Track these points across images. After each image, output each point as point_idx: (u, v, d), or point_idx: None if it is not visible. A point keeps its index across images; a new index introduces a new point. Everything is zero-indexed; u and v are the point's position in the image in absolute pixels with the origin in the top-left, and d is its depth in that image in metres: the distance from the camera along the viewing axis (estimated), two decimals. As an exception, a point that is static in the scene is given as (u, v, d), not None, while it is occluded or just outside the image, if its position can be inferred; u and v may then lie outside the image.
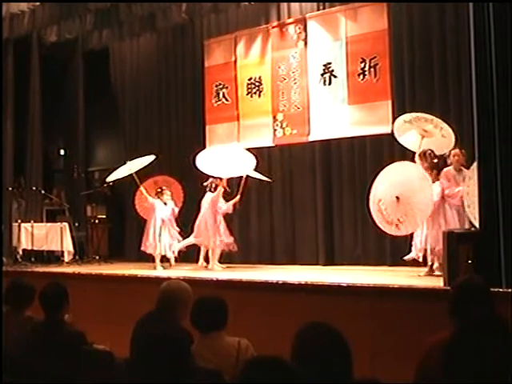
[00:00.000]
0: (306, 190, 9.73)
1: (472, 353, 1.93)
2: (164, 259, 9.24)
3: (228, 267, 8.96)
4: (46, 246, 10.49)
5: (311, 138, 9.48)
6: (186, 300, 3.79)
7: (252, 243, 10.17)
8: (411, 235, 7.29)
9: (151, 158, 9.62)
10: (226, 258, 9.80)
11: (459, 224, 6.96)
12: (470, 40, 5.86)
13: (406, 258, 7.37)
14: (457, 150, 7.17)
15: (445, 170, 7.21)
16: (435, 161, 7.23)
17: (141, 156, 9.80)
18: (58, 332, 3.86)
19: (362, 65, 9.03)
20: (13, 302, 4.44)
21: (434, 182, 7.07)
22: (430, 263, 7.12)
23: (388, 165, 7.42)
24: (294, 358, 2.19)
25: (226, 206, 8.99)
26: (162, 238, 9.07)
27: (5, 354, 3.40)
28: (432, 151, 7.25)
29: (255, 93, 10.12)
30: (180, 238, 9.19)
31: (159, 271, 8.79)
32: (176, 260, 9.23)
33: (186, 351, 2.58)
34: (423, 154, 7.23)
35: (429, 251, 7.06)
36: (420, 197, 6.84)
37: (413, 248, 7.28)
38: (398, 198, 6.92)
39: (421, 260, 7.23)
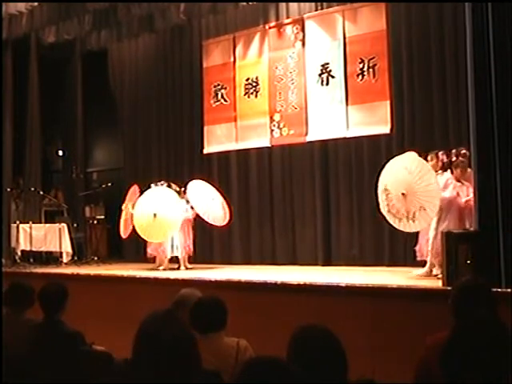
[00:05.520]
0: (305, 191, 9.72)
1: (471, 353, 1.93)
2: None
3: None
4: (45, 247, 10.48)
5: (309, 139, 9.48)
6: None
7: (253, 244, 10.16)
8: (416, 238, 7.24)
9: None
10: (227, 259, 9.82)
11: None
12: (468, 40, 5.86)
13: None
14: (464, 151, 6.86)
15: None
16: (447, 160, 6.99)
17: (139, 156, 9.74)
18: (57, 332, 3.85)
19: (361, 65, 9.03)
20: (12, 303, 4.43)
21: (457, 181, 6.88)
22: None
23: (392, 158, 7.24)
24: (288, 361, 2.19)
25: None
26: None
27: (5, 354, 3.39)
28: (445, 152, 7.08)
29: (252, 93, 10.12)
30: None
31: (161, 272, 8.74)
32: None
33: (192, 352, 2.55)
34: (435, 155, 7.05)
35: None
36: (426, 189, 6.62)
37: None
38: (403, 194, 6.72)
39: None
